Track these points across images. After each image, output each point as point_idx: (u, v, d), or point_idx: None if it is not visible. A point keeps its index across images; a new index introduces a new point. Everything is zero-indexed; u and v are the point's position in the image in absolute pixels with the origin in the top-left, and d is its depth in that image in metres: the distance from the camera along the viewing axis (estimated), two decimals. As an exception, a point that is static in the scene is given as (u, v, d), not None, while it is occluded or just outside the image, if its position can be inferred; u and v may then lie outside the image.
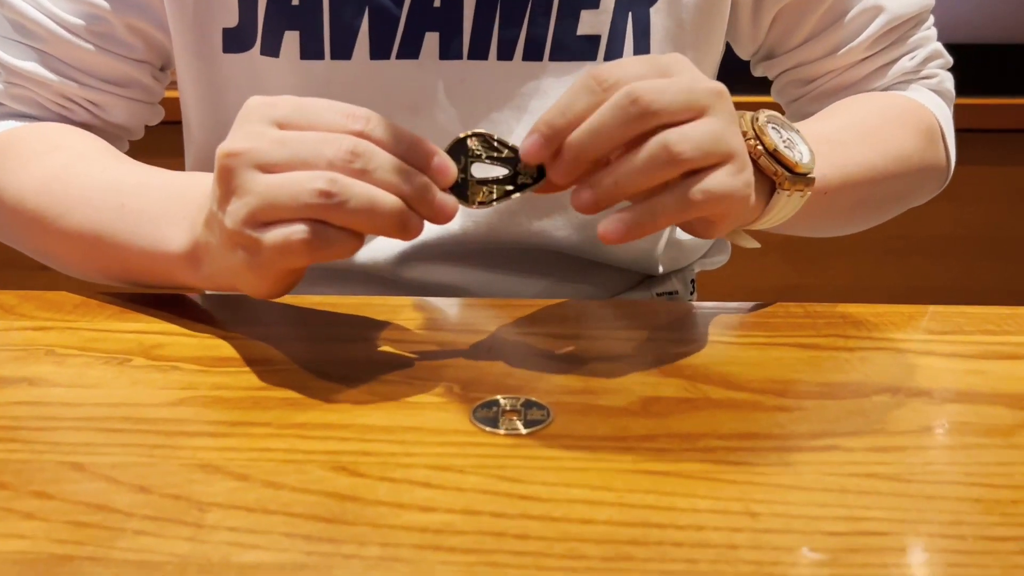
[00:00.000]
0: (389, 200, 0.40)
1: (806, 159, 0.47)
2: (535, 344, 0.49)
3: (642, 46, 0.58)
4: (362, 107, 0.42)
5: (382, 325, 0.50)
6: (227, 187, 0.42)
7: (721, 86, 0.42)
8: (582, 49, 0.57)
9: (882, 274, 1.62)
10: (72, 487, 0.36)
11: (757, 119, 0.46)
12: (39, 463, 0.38)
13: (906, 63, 0.65)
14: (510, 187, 0.43)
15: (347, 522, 0.34)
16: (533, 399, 0.43)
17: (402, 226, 0.41)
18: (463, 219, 0.60)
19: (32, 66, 0.57)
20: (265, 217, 0.41)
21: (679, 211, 0.41)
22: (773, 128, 0.46)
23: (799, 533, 0.33)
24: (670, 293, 0.74)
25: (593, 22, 0.57)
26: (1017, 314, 0.53)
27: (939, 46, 0.66)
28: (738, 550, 0.32)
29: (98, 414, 0.42)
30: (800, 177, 0.46)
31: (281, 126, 0.42)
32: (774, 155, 0.45)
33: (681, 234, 0.70)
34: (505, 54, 0.57)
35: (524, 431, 0.40)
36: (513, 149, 0.43)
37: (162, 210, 0.50)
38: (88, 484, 0.36)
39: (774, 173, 0.46)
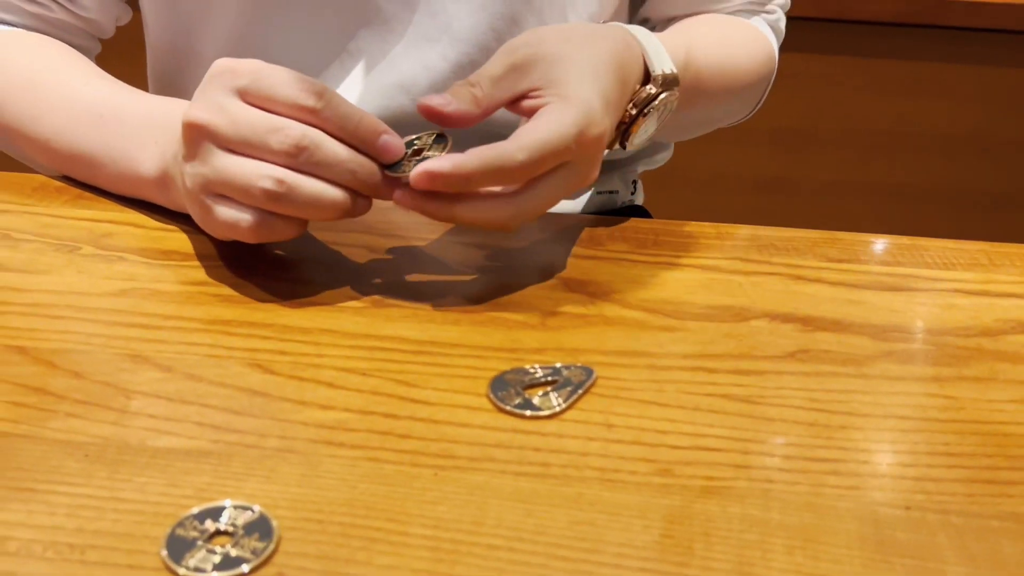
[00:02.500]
0: (332, 193, 0.44)
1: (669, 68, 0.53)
2: (453, 253, 0.53)
3: None
4: (317, 82, 0.44)
5: (317, 226, 0.54)
6: (188, 151, 0.45)
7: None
8: None
9: (869, 169, 1.64)
10: (14, 369, 0.41)
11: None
12: (-13, 346, 0.42)
13: None
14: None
15: (253, 415, 0.39)
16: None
17: (346, 213, 0.45)
18: (402, 98, 0.62)
19: None
20: (219, 191, 0.45)
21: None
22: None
23: (645, 445, 0.38)
24: (610, 192, 0.77)
25: None
26: (916, 245, 0.56)
27: None
28: (588, 457, 0.37)
29: (44, 301, 0.46)
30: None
31: (242, 95, 0.44)
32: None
33: None
34: None
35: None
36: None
37: (136, 132, 0.53)
38: (29, 367, 0.41)
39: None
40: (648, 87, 0.52)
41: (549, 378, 0.42)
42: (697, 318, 0.47)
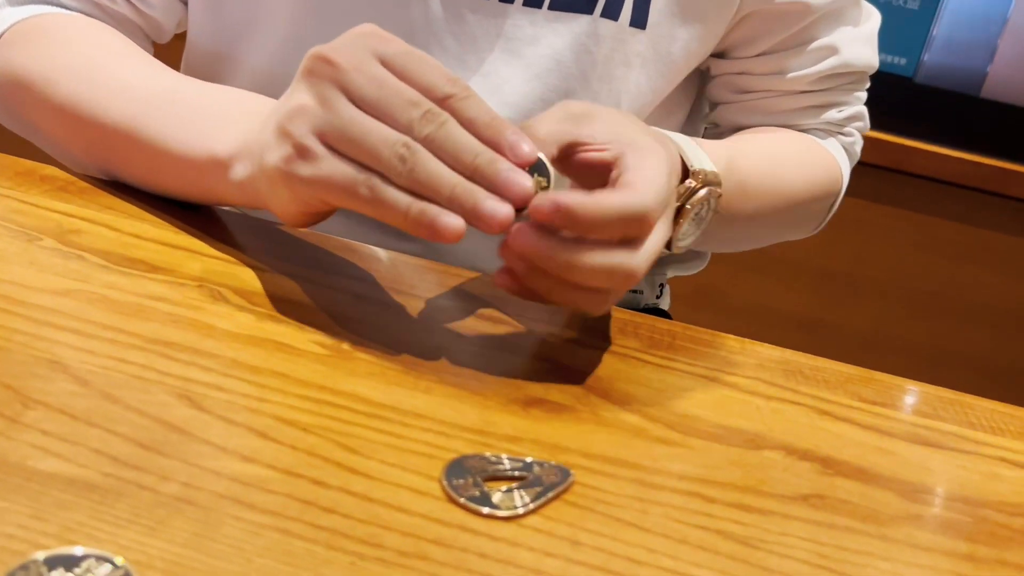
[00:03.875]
0: (449, 183, 0.39)
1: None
2: (444, 315, 0.47)
3: (642, 5, 0.58)
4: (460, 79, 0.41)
5: (311, 264, 0.49)
6: (311, 88, 0.41)
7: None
8: (581, 1, 0.57)
9: (908, 327, 1.58)
10: (-88, 353, 0.35)
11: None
12: None
13: (834, 114, 0.67)
14: None
15: (163, 453, 0.33)
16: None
17: (444, 218, 0.39)
18: None
19: None
20: (333, 143, 0.40)
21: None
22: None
23: (612, 573, 0.31)
24: (634, 292, 0.72)
25: None
26: (961, 401, 0.50)
27: (864, 110, 0.69)
28: (540, 577, 0.31)
29: (-21, 286, 0.41)
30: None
31: (383, 63, 0.41)
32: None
33: None
34: None
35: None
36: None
37: (221, 109, 0.49)
38: (-71, 353, 0.36)
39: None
40: (688, 181, 0.48)
41: (517, 472, 0.36)
42: (703, 436, 0.41)
